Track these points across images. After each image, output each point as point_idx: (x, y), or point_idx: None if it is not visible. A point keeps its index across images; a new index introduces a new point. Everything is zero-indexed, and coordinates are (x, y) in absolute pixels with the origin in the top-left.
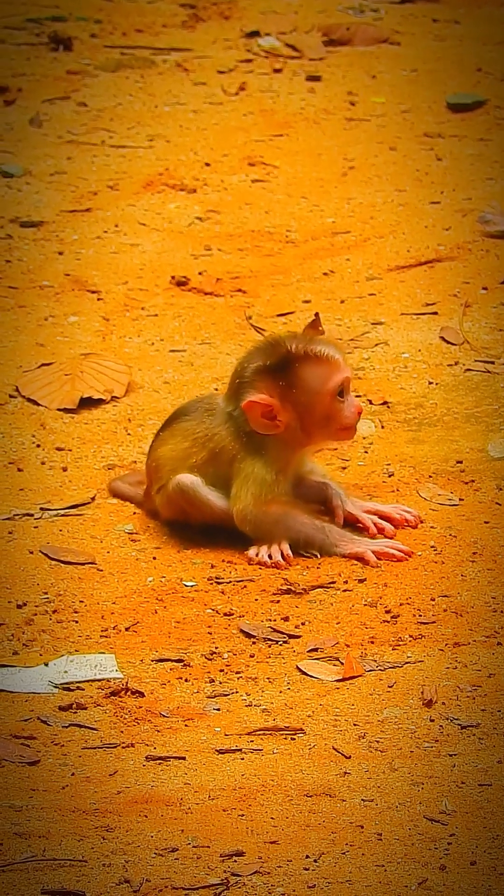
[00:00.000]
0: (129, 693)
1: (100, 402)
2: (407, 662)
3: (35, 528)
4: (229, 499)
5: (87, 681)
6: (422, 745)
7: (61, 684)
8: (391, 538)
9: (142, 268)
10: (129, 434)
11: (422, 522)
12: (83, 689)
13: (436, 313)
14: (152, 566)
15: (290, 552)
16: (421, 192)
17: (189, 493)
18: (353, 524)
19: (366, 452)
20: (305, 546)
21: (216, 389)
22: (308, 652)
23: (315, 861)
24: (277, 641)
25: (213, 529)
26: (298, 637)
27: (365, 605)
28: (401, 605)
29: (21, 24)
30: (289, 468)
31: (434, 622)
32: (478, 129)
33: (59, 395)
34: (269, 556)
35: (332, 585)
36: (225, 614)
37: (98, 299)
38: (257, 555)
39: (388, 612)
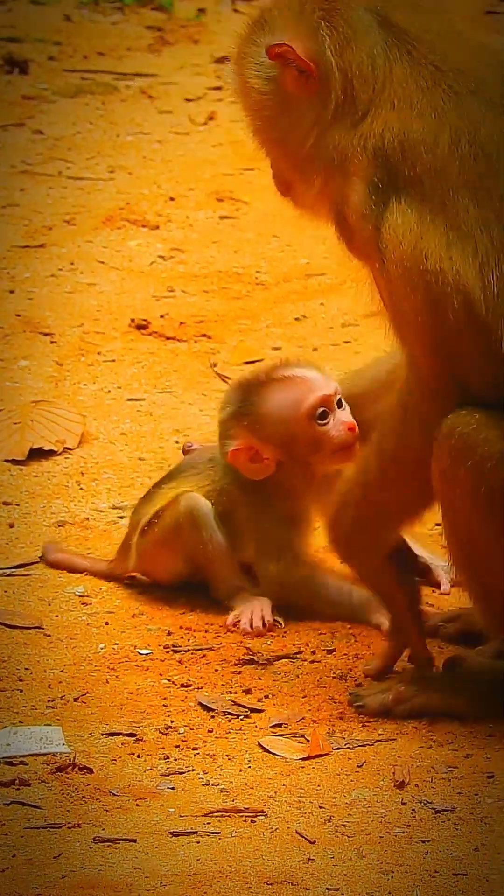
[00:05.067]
0: (76, 769)
1: (51, 453)
2: (378, 741)
3: None
4: (239, 550)
5: (32, 755)
6: (392, 831)
7: (3, 758)
8: None
9: (99, 309)
10: (81, 488)
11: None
12: (27, 764)
13: None
14: (104, 632)
15: (270, 618)
16: None
17: (198, 513)
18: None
19: None
20: (332, 608)
21: (176, 442)
22: (271, 727)
23: None
24: (238, 716)
25: (178, 587)
26: (261, 711)
27: (333, 677)
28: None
29: None
30: (302, 514)
31: None
32: None
33: (6, 445)
34: (251, 626)
35: (298, 656)
36: (182, 685)
37: (51, 342)
38: (238, 623)
39: (358, 685)
